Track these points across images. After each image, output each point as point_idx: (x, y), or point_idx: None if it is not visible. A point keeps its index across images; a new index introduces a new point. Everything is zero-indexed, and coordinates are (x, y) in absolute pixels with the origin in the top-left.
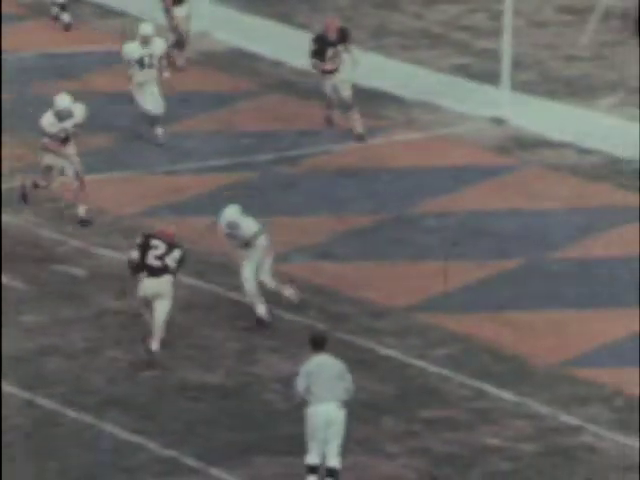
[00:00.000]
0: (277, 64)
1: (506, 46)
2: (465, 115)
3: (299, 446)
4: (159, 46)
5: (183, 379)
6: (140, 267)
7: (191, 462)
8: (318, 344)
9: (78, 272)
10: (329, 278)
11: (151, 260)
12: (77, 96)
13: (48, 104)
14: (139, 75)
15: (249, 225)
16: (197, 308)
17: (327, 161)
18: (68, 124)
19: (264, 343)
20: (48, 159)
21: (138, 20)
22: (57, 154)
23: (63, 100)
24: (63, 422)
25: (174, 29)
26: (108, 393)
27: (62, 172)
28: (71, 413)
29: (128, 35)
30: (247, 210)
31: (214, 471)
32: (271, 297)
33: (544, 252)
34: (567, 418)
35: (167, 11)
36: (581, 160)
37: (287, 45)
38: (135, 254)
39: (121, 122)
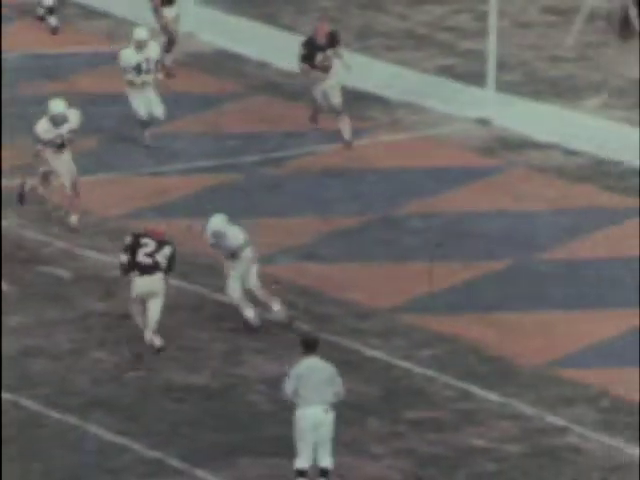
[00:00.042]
0: (263, 65)
1: (491, 47)
2: (450, 116)
3: (284, 447)
4: (154, 50)
5: (168, 380)
6: (131, 267)
7: (176, 463)
8: (310, 347)
9: (63, 274)
10: (314, 279)
11: (141, 258)
12: (63, 97)
13: (34, 105)
14: (137, 80)
15: (235, 235)
16: (182, 309)
17: (312, 162)
18: (63, 130)
19: (249, 344)
20: (46, 165)
21: (124, 21)
22: (53, 160)
23: (57, 105)
24: (47, 423)
25: (164, 29)
26: (93, 394)
27: (58, 178)
28: (55, 414)
29: (113, 36)
30: (233, 211)
31: (199, 472)
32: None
33: (530, 253)
34: (553, 419)
35: (156, 11)
36: (567, 161)
37: (273, 46)
38: (124, 257)
39: (107, 123)
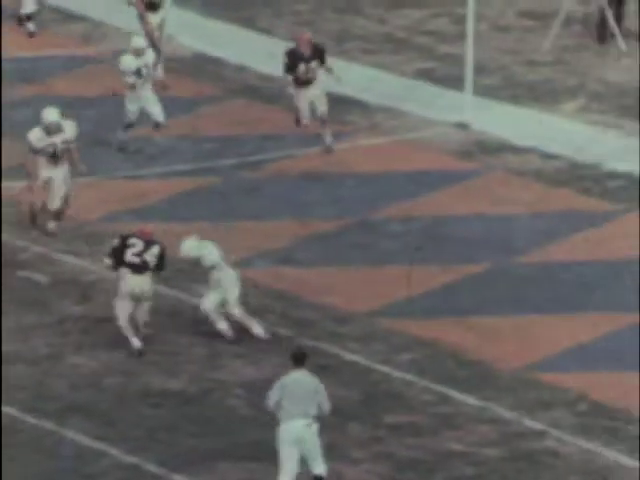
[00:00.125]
0: (241, 69)
1: (469, 51)
2: (429, 120)
3: (263, 452)
4: (151, 56)
5: (146, 385)
6: (120, 264)
7: (154, 469)
8: (298, 360)
9: (40, 278)
10: (292, 283)
11: (130, 258)
12: (41, 100)
13: (9, 108)
14: (136, 85)
15: (210, 251)
16: (161, 313)
17: (291, 166)
18: (57, 139)
19: (228, 349)
20: (45, 173)
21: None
22: (48, 171)
23: (51, 114)
24: (23, 429)
25: (149, 36)
26: (70, 399)
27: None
28: (32, 419)
29: (90, 39)
30: (210, 214)
31: (177, 477)
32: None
33: (508, 257)
34: (531, 423)
35: (141, 17)
36: (545, 165)
37: (251, 50)
38: (108, 261)
39: (84, 126)
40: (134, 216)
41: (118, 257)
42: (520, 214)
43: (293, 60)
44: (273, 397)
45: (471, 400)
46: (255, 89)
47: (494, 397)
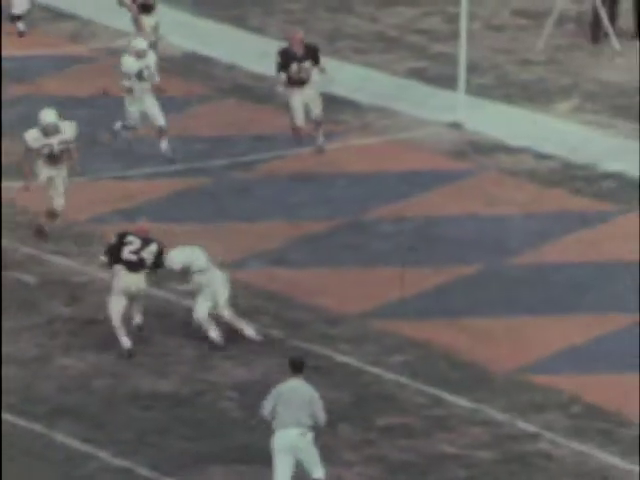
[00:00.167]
0: (231, 68)
1: (462, 50)
2: (421, 119)
3: (254, 455)
4: (152, 58)
5: (136, 387)
6: (115, 262)
7: (144, 472)
8: (296, 368)
9: (29, 279)
10: (283, 284)
11: (127, 255)
12: (30, 100)
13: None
14: (137, 87)
15: (198, 261)
16: (151, 315)
17: (282, 166)
18: (54, 140)
19: (219, 350)
20: (45, 173)
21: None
22: (47, 171)
23: (48, 115)
24: (13, 431)
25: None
26: (59, 402)
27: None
28: (21, 422)
29: (80, 38)
30: (201, 215)
31: None
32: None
33: (501, 258)
34: (524, 425)
35: (135, 20)
36: (538, 165)
37: (241, 49)
38: (104, 259)
39: None
40: (124, 217)
41: (114, 255)
42: (513, 215)
43: (286, 59)
44: (268, 406)
45: (464, 402)
46: (246, 89)
47: (487, 399)
